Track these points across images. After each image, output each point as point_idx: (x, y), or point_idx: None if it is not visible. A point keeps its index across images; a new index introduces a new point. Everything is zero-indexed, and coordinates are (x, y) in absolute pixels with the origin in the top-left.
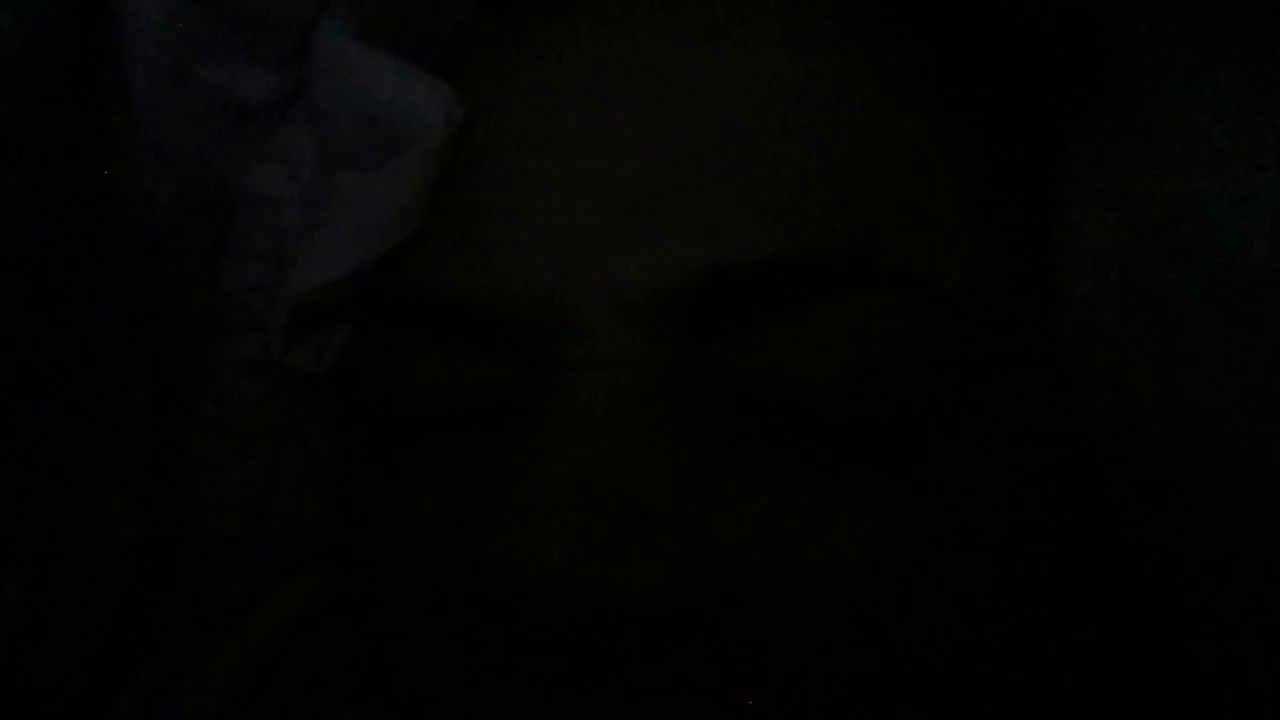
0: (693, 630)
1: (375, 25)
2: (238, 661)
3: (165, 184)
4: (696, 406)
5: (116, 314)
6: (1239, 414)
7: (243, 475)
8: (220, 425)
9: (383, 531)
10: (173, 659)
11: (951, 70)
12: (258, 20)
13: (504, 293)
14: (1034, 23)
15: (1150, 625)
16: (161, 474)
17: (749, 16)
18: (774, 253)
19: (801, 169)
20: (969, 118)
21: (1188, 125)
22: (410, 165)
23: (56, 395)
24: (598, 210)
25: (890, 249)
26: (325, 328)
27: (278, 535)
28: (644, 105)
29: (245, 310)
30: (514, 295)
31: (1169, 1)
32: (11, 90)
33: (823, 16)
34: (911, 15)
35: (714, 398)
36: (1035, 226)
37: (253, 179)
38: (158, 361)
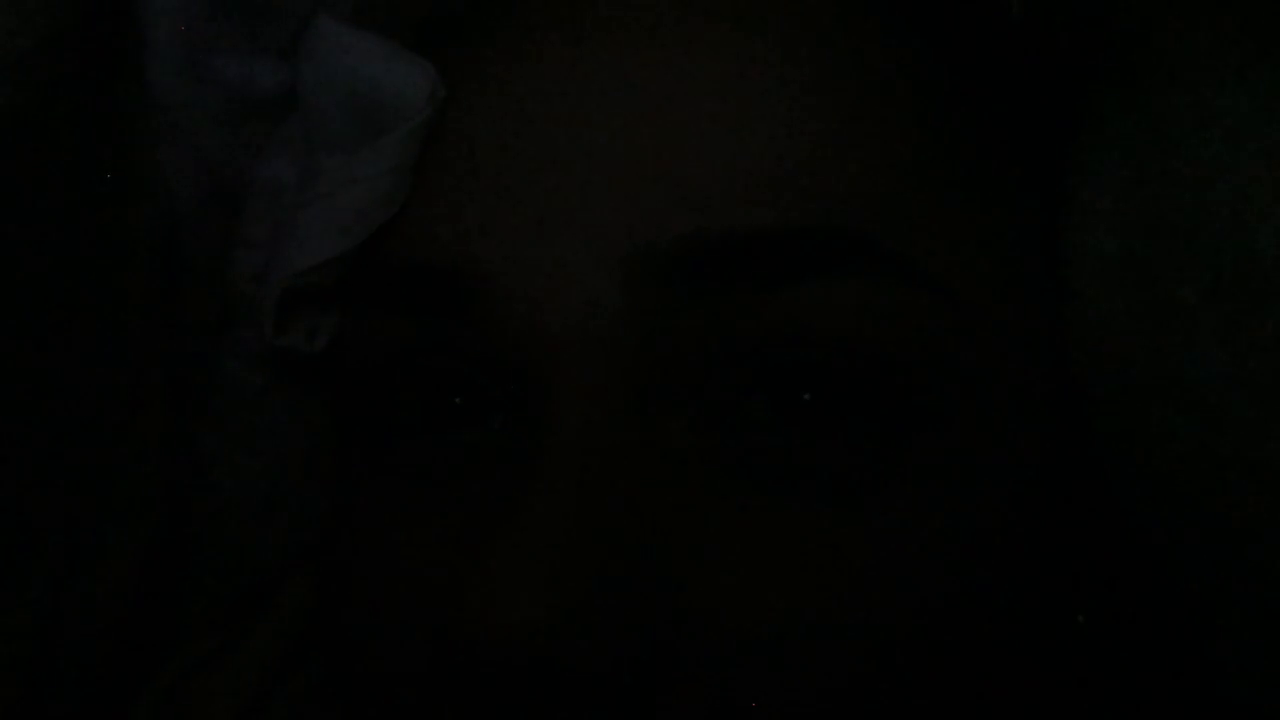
0: (661, 688)
1: (368, 8)
2: (251, 661)
3: (183, 175)
4: (668, 437)
5: (135, 308)
6: (1244, 413)
7: (252, 468)
8: (230, 419)
9: (356, 549)
10: (188, 657)
11: (955, 59)
12: (268, 10)
13: (486, 260)
14: (1045, 14)
15: (1152, 625)
16: (177, 468)
17: None
18: (758, 226)
19: (790, 146)
20: (973, 108)
21: (1195, 118)
22: (393, 146)
23: (78, 390)
24: (580, 179)
25: (883, 233)
26: (316, 310)
27: (287, 527)
28: (631, 81)
29: (248, 299)
30: (496, 261)
31: None
32: (35, 82)
33: None
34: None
35: (687, 416)
36: (1043, 220)
37: (262, 169)
38: (173, 355)
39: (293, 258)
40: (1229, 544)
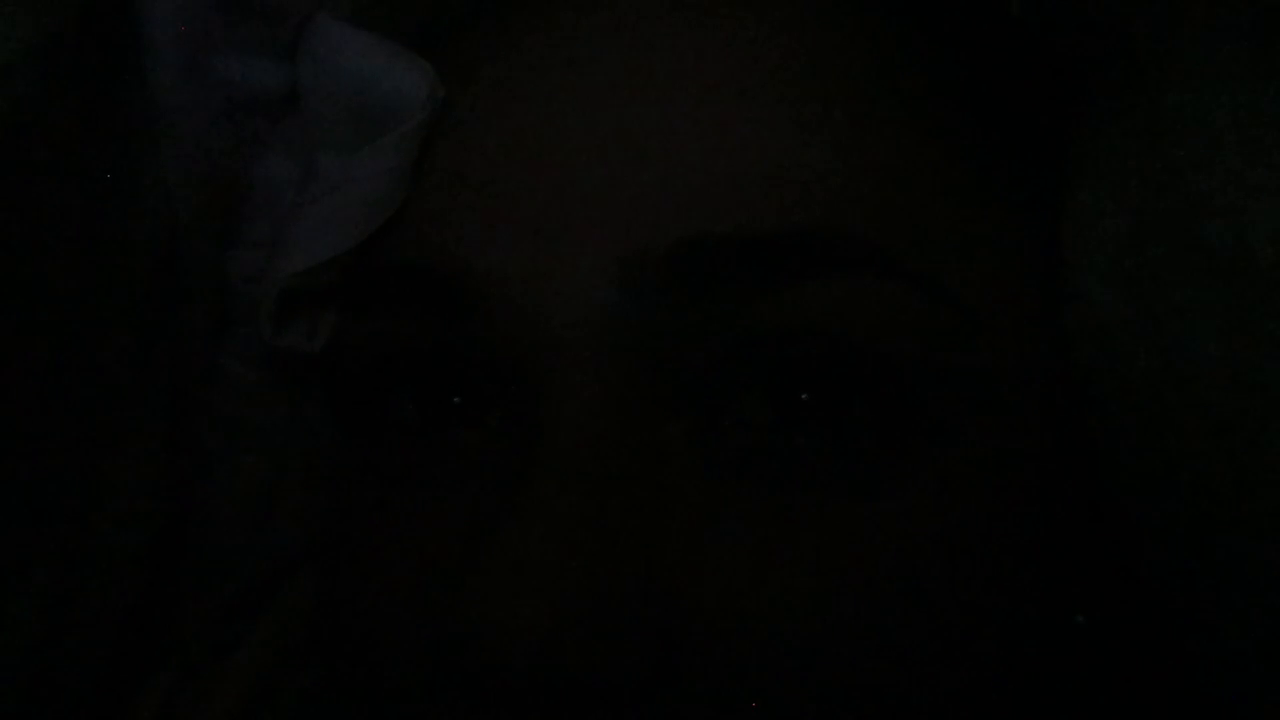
0: (663, 687)
1: (368, 8)
2: (251, 661)
3: (182, 175)
4: (667, 437)
5: (134, 308)
6: (1244, 412)
7: (252, 468)
8: (230, 418)
9: (356, 548)
10: (189, 657)
11: (955, 59)
12: (269, 10)
13: (484, 262)
14: (1044, 13)
15: (1153, 626)
16: (177, 469)
17: None
18: (756, 228)
19: (788, 148)
20: (973, 108)
21: (1194, 118)
22: (391, 146)
23: (78, 390)
24: (578, 182)
25: (881, 234)
26: (315, 310)
27: (288, 527)
28: (629, 83)
29: (247, 299)
30: (493, 263)
31: None
32: (36, 82)
33: None
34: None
35: (685, 416)
36: (1044, 221)
37: (262, 168)
38: (174, 356)
39: (292, 258)
40: (1230, 543)
